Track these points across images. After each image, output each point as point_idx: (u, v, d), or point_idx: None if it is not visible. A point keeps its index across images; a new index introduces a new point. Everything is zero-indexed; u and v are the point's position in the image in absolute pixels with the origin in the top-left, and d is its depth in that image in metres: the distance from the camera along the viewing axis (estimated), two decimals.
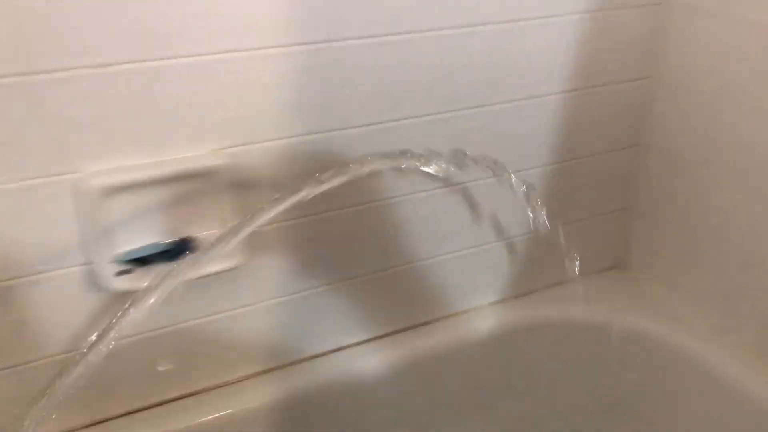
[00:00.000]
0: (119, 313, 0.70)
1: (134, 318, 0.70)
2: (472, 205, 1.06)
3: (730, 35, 0.97)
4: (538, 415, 1.20)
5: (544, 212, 0.85)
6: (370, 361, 1.05)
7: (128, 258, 0.83)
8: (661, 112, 1.11)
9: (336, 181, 0.77)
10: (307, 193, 0.75)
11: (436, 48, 0.92)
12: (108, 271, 0.81)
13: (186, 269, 0.74)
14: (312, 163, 0.91)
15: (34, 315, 0.83)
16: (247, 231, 0.75)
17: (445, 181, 1.01)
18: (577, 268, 0.92)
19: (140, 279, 0.80)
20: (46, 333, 0.85)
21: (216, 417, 0.96)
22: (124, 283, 0.81)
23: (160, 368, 0.94)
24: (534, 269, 1.17)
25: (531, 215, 0.85)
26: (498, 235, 1.11)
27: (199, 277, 0.87)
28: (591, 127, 1.10)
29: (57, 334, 0.85)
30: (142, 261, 0.84)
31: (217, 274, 0.87)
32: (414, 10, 0.88)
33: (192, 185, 0.84)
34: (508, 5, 0.94)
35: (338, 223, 0.97)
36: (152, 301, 0.72)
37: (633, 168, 1.17)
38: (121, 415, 0.94)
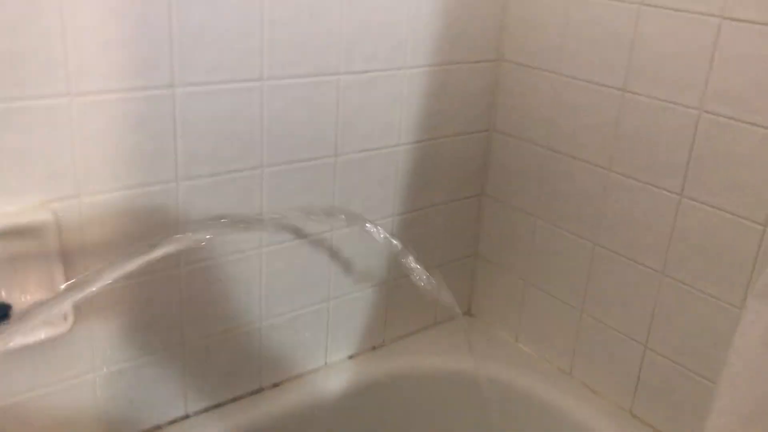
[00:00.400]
0: None
1: None
2: (332, 255, 1.04)
3: (555, 87, 1.04)
4: None
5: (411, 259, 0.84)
6: (217, 427, 0.98)
7: None
8: (500, 164, 1.15)
9: (169, 249, 0.72)
10: (137, 262, 0.69)
11: (282, 97, 0.90)
12: None
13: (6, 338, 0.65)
14: (151, 218, 0.84)
15: None
16: (69, 301, 0.67)
17: (297, 233, 0.99)
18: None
19: None
20: None
21: None
22: None
23: None
24: (392, 318, 1.16)
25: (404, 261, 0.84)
26: (355, 285, 1.09)
27: (17, 348, 0.78)
28: (437, 176, 1.12)
29: None
30: None
31: (39, 343, 0.77)
32: (257, 57, 0.86)
33: (13, 243, 0.75)
34: (355, 56, 0.94)
35: (177, 282, 0.90)
36: None
37: (478, 216, 1.20)
38: None
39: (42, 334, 0.77)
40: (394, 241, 0.87)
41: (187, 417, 0.98)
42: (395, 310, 1.16)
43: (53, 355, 0.83)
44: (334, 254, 1.04)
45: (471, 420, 1.14)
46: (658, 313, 0.98)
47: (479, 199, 1.19)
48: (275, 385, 1.06)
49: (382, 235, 0.82)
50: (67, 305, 0.65)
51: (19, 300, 0.77)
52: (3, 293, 0.77)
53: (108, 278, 0.66)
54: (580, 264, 1.06)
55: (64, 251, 0.79)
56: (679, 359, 0.96)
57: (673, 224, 0.94)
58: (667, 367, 0.98)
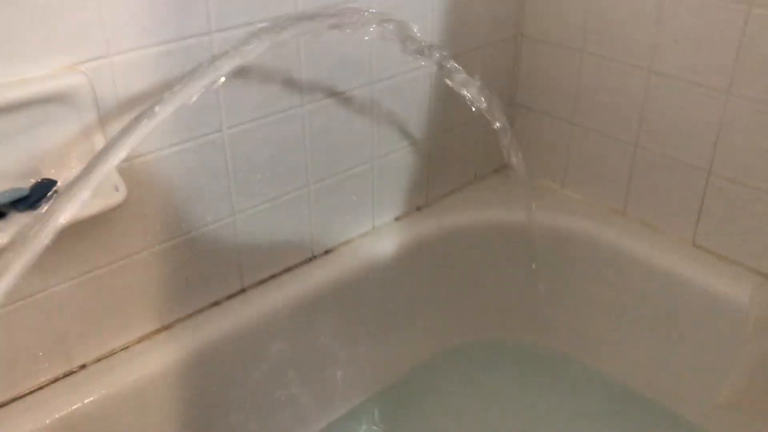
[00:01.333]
0: None
1: None
2: (373, 112, 0.98)
3: None
4: (461, 321, 1.16)
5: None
6: (274, 297, 0.94)
7: None
8: None
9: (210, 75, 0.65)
10: (199, 87, 0.63)
11: None
12: None
13: (56, 215, 0.59)
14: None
15: None
16: (115, 159, 0.60)
17: (340, 96, 0.92)
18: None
19: None
20: None
21: (106, 394, 0.81)
22: None
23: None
24: (434, 177, 1.11)
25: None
26: (398, 143, 1.03)
27: (69, 226, 0.72)
28: (471, 17, 1.04)
29: None
30: None
31: (91, 219, 0.71)
32: None
33: (46, 111, 0.68)
34: None
35: (221, 148, 0.84)
36: (22, 262, 0.56)
37: (515, 60, 1.14)
38: None
39: (94, 208, 0.71)
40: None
41: (243, 291, 0.94)
42: (436, 169, 1.11)
43: (105, 232, 0.78)
44: (375, 110, 0.98)
45: (523, 271, 1.12)
46: (723, 137, 0.94)
47: (516, 39, 1.12)
48: (326, 252, 1.02)
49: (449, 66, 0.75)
50: (112, 165, 0.59)
51: (62, 176, 0.71)
52: (44, 170, 0.70)
53: (156, 119, 0.59)
54: (633, 93, 1.01)
55: (102, 118, 0.72)
56: (747, 181, 0.93)
57: (740, 39, 0.88)
58: (733, 191, 0.95)
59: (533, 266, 1.09)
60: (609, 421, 1.06)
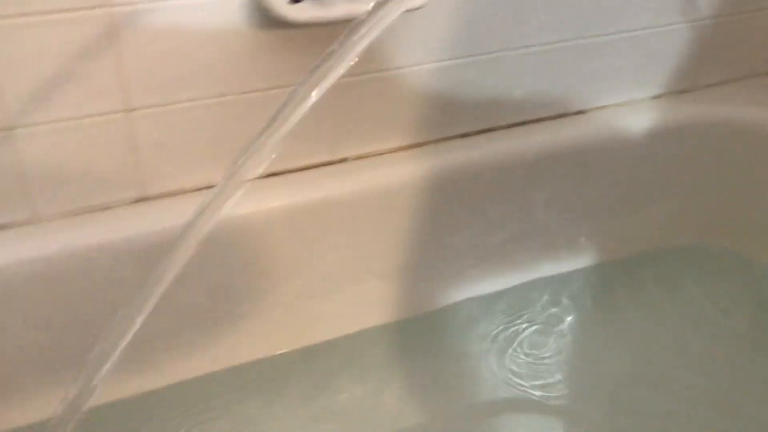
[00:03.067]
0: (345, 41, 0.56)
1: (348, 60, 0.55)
2: None
3: None
4: (688, 215, 1.12)
5: None
6: (520, 142, 0.96)
7: None
8: None
9: None
10: None
11: None
12: None
13: None
14: None
15: (187, 46, 0.73)
16: None
17: None
18: None
19: (318, 8, 0.69)
20: (198, 69, 0.75)
21: (358, 188, 0.89)
22: (302, 12, 0.70)
23: None
24: (706, 62, 1.04)
25: None
26: (676, 17, 0.97)
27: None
28: None
29: (210, 72, 0.76)
30: None
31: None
32: None
33: None
34: None
35: None
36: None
37: None
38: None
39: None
40: None
41: (491, 130, 0.96)
42: (713, 53, 1.04)
43: (395, 37, 0.82)
44: None
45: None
46: None
47: None
48: (577, 113, 1.01)
49: None
50: None
51: None
52: None
53: None
54: None
55: None
56: None
57: None
58: None
59: None
60: None
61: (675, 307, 1.05)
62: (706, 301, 1.06)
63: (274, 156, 0.53)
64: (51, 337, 0.78)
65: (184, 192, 0.82)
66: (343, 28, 0.72)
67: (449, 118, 0.93)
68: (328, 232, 0.89)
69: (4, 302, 0.75)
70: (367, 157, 0.91)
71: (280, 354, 0.92)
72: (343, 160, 0.90)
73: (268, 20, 0.71)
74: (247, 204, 0.86)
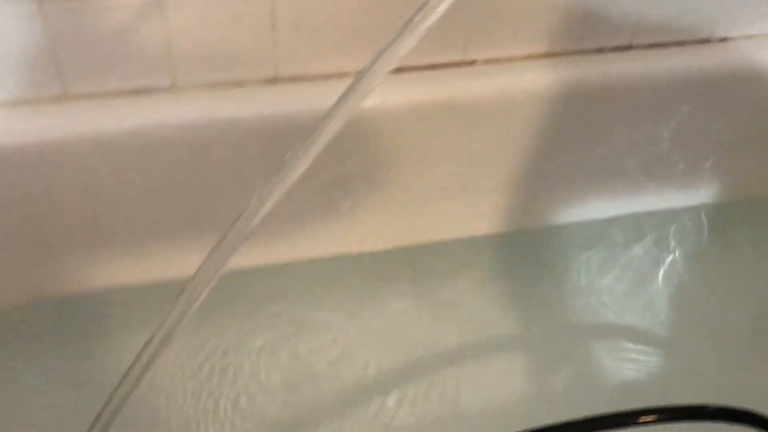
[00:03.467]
0: None
1: None
2: None
3: None
4: None
5: None
6: (654, 65, 0.92)
7: None
8: None
9: None
10: None
11: None
12: None
13: None
14: None
15: None
16: None
17: None
18: None
19: None
20: None
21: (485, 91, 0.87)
22: None
23: None
24: None
25: None
26: None
27: None
28: None
29: None
30: None
31: None
32: None
33: None
34: None
35: None
36: None
37: None
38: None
39: None
40: None
41: (629, 47, 0.92)
42: None
43: None
44: None
45: None
46: None
47: None
48: (721, 40, 0.95)
49: None
50: None
51: None
52: None
53: None
54: None
55: None
56: None
57: None
58: None
59: None
60: None
61: None
62: None
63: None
64: (181, 202, 0.82)
65: (315, 77, 0.83)
66: None
67: (586, 29, 0.89)
68: (449, 135, 0.88)
69: (139, 164, 0.79)
70: (497, 61, 0.89)
71: (387, 249, 0.94)
72: (473, 62, 0.88)
73: None
74: (371, 98, 0.86)
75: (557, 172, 0.95)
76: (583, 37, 0.90)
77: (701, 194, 1.03)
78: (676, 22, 0.92)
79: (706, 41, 0.95)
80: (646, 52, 0.92)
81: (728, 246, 1.01)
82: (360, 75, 0.55)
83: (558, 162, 0.95)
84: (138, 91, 0.79)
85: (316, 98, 0.81)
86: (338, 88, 0.47)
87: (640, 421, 0.52)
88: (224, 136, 0.79)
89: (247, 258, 0.87)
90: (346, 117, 0.57)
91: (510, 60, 0.89)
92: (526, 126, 0.91)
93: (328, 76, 0.83)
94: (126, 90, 0.78)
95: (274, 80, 0.82)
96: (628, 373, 0.88)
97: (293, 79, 0.82)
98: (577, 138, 0.93)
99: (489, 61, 0.88)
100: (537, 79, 0.88)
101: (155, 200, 0.81)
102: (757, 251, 1.01)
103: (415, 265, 0.93)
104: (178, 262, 0.83)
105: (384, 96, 0.84)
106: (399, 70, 0.88)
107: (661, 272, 0.96)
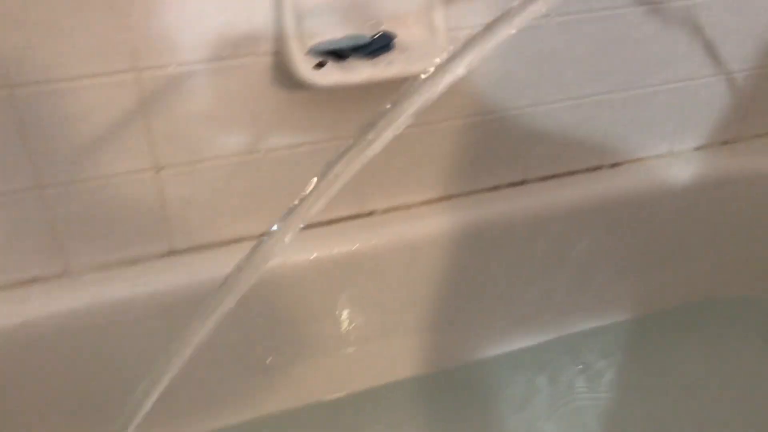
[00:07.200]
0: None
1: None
2: (693, 30, 0.90)
3: None
4: (736, 270, 1.08)
5: None
6: (552, 196, 0.94)
7: (324, 49, 0.72)
8: None
9: None
10: None
11: None
12: (304, 62, 0.71)
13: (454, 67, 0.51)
14: None
15: (214, 107, 0.75)
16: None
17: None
18: None
19: (341, 73, 0.70)
20: (225, 129, 0.77)
21: (383, 242, 0.88)
22: (325, 77, 0.70)
23: None
24: (752, 113, 1.01)
25: None
26: (717, 68, 0.94)
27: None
28: None
29: (236, 131, 0.77)
30: (336, 54, 0.73)
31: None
32: None
33: None
34: None
35: (545, 34, 0.83)
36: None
37: None
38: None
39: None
40: None
41: (523, 182, 0.95)
42: (757, 104, 1.01)
43: None
44: (699, 30, 0.90)
45: None
46: None
47: None
48: (613, 166, 0.99)
49: None
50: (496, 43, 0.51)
51: (399, 32, 0.75)
52: (384, 23, 0.75)
53: None
54: None
55: None
56: None
57: None
58: None
59: None
60: None
61: (718, 362, 1.01)
62: (751, 355, 1.02)
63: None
64: (80, 387, 0.80)
65: (211, 246, 0.83)
66: (365, 90, 0.74)
67: (479, 170, 0.92)
68: (356, 285, 0.89)
69: (36, 354, 0.78)
70: (396, 210, 0.91)
71: (307, 405, 0.92)
72: (371, 213, 0.90)
73: (293, 83, 0.72)
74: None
75: (471, 308, 0.96)
76: (477, 177, 0.92)
77: (616, 313, 1.04)
78: (566, 153, 0.95)
79: (598, 168, 0.98)
80: (540, 184, 0.95)
81: (648, 361, 1.01)
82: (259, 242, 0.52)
83: (470, 299, 0.95)
84: (32, 281, 0.78)
85: (213, 266, 0.82)
86: (236, 253, 0.47)
87: None
88: (120, 316, 0.78)
89: None
90: (250, 281, 0.55)
91: (408, 207, 0.91)
92: (432, 268, 0.91)
93: (223, 243, 0.84)
94: (21, 281, 0.78)
95: (170, 253, 0.82)
96: None
97: (190, 250, 0.83)
98: (484, 274, 0.94)
99: (387, 210, 0.90)
100: (437, 223, 0.90)
101: (55, 387, 0.79)
102: (677, 362, 1.01)
103: (337, 419, 0.91)
104: None
105: (286, 255, 0.85)
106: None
107: (585, 393, 0.96)
